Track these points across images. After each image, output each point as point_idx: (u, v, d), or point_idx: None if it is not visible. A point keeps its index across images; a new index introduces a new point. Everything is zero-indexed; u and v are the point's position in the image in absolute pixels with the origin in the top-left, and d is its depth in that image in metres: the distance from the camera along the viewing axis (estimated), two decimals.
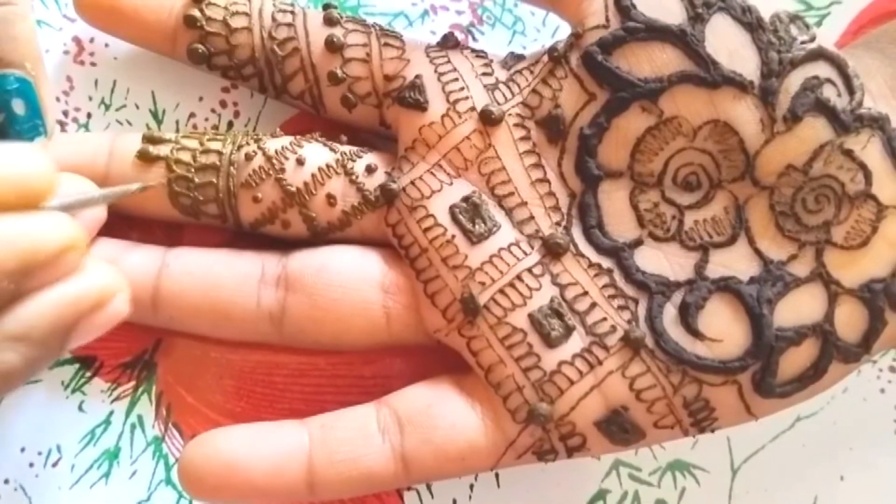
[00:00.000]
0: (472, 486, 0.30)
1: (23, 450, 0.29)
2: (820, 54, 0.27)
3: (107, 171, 0.28)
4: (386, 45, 0.29)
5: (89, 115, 0.31)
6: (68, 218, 0.23)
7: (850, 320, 0.26)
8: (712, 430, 0.27)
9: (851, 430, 0.31)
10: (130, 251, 0.29)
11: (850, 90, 0.27)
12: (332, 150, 0.29)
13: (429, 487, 0.30)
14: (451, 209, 0.28)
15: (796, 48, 0.27)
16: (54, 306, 0.23)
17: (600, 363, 0.27)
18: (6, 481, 0.29)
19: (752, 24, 0.27)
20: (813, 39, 0.27)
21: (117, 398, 0.30)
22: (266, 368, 0.30)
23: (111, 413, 0.30)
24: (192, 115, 0.31)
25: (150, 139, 0.29)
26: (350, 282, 0.28)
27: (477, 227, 0.28)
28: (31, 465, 0.29)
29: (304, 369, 0.30)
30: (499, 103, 0.29)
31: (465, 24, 0.32)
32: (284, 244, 0.29)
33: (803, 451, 0.31)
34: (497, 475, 0.30)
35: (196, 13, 0.29)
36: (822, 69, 0.27)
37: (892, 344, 0.28)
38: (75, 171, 0.28)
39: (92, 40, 0.31)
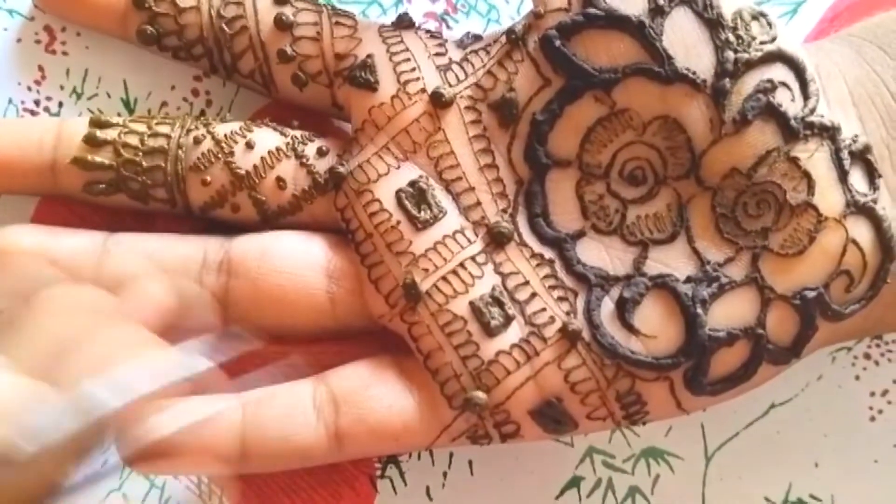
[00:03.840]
0: (445, 474, 0.31)
1: None
2: (778, 56, 0.27)
3: (54, 155, 0.28)
4: (337, 23, 0.29)
5: (61, 105, 0.31)
6: None
7: (781, 325, 0.27)
8: (643, 423, 0.28)
9: (826, 417, 0.32)
10: (69, 236, 0.28)
11: (805, 95, 0.27)
12: (282, 134, 0.29)
13: (402, 475, 0.31)
14: (398, 194, 0.28)
15: (754, 48, 0.26)
16: None
17: (537, 354, 0.27)
18: None
19: (712, 20, 0.26)
20: (773, 40, 0.27)
21: None
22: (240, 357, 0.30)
23: None
24: (164, 103, 0.31)
25: (97, 123, 0.29)
26: (294, 267, 0.28)
27: (422, 213, 0.28)
28: None
29: (280, 358, 0.30)
30: (451, 84, 0.28)
31: (439, 12, 0.32)
32: (243, 230, 0.29)
33: (778, 438, 0.31)
34: (471, 462, 0.31)
35: None
36: (778, 72, 0.27)
37: (822, 346, 0.28)
38: (21, 155, 0.28)
39: (64, 29, 0.31)
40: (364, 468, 0.31)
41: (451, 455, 0.31)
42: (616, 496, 0.31)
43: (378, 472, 0.31)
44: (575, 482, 0.31)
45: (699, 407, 0.28)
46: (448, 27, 0.32)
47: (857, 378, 0.32)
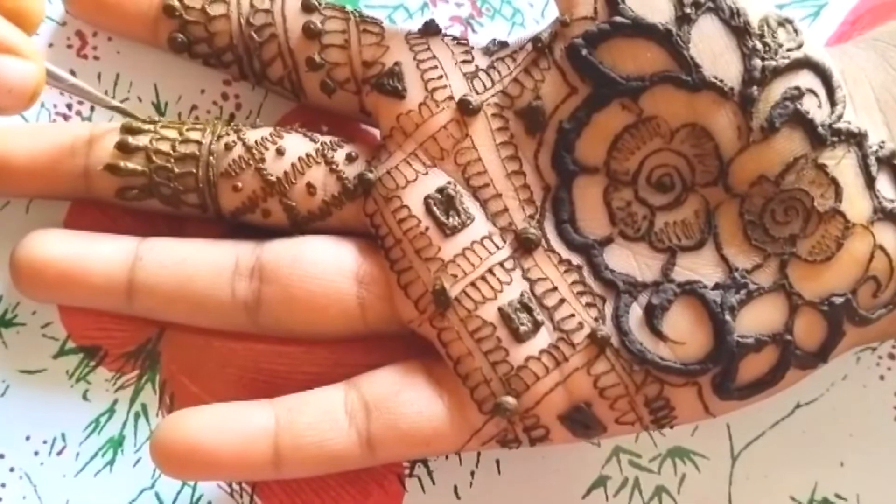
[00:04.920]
0: (472, 473, 0.31)
1: (28, 438, 0.30)
2: (805, 63, 0.27)
3: (86, 161, 0.29)
4: (365, 31, 0.29)
5: (92, 109, 0.31)
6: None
7: (809, 331, 0.27)
8: (671, 427, 0.28)
9: (851, 417, 0.32)
10: (101, 242, 0.29)
11: (832, 102, 0.27)
12: (312, 140, 0.29)
13: (430, 474, 0.31)
14: (426, 200, 0.28)
15: (781, 56, 0.27)
16: None
17: (566, 360, 0.27)
18: (11, 469, 0.30)
19: (739, 28, 0.27)
20: (800, 47, 0.27)
21: (121, 387, 0.31)
22: (268, 357, 0.30)
23: (115, 402, 0.31)
24: (194, 107, 0.31)
25: (128, 129, 0.29)
26: (324, 273, 0.28)
27: (451, 219, 0.28)
28: (37, 453, 0.30)
29: (307, 358, 0.30)
30: (478, 92, 0.28)
31: (464, 15, 0.32)
32: (271, 233, 0.29)
33: (803, 438, 0.32)
34: (498, 462, 0.31)
35: (175, 2, 0.29)
36: (804, 79, 0.27)
37: (849, 349, 0.29)
38: (54, 160, 0.29)
39: (95, 34, 0.31)
40: (393, 467, 0.31)
41: (478, 454, 0.31)
42: (643, 496, 0.31)
43: (406, 471, 0.31)
44: (601, 481, 0.31)
45: (726, 411, 0.28)
46: (473, 31, 0.32)
47: (882, 378, 0.32)
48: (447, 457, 0.31)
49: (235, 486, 0.31)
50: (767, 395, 0.28)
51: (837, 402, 0.32)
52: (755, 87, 0.26)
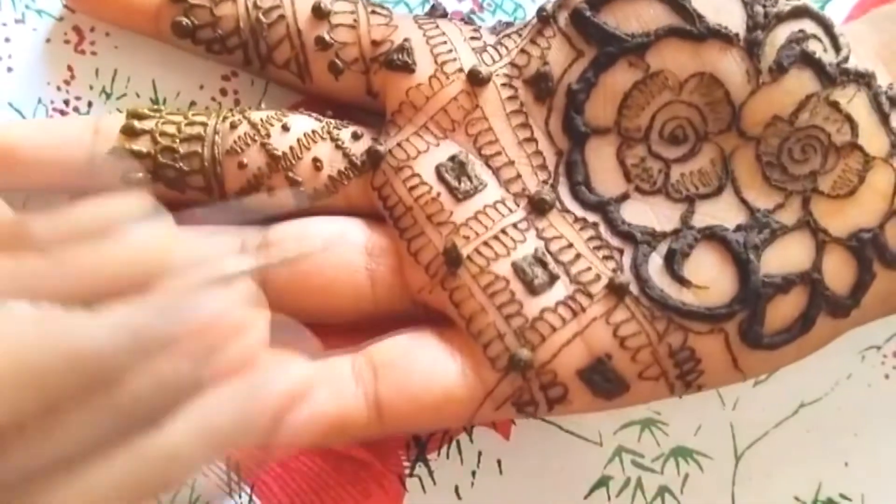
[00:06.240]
0: (474, 473, 0.30)
1: None
2: (806, 11, 0.27)
3: (92, 150, 0.28)
4: (374, 12, 0.29)
5: (90, 104, 0.31)
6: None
7: (838, 270, 0.26)
8: (699, 388, 0.26)
9: (856, 416, 0.31)
10: None
11: (836, 47, 0.27)
12: (317, 119, 0.29)
13: (431, 474, 0.30)
14: (438, 168, 0.28)
15: (782, 3, 0.27)
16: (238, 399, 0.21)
17: (584, 310, 0.26)
18: None
19: None
20: None
21: None
22: None
23: None
24: (192, 103, 0.31)
25: (134, 115, 0.29)
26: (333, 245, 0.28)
27: (463, 184, 0.28)
28: None
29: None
30: (487, 65, 0.29)
31: (465, 11, 0.33)
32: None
33: (807, 437, 0.30)
34: (499, 461, 0.30)
35: None
36: (807, 25, 0.27)
37: (880, 307, 0.27)
38: (60, 151, 0.28)
39: (93, 29, 0.31)
40: (393, 466, 0.29)
41: (479, 454, 0.30)
42: (645, 496, 0.30)
43: (407, 471, 0.29)
44: (604, 482, 0.30)
45: (757, 369, 0.26)
46: None
47: (887, 377, 0.31)
48: (448, 455, 0.30)
49: (234, 486, 0.29)
50: (799, 347, 0.26)
51: (842, 402, 0.31)
52: (760, 32, 0.27)
